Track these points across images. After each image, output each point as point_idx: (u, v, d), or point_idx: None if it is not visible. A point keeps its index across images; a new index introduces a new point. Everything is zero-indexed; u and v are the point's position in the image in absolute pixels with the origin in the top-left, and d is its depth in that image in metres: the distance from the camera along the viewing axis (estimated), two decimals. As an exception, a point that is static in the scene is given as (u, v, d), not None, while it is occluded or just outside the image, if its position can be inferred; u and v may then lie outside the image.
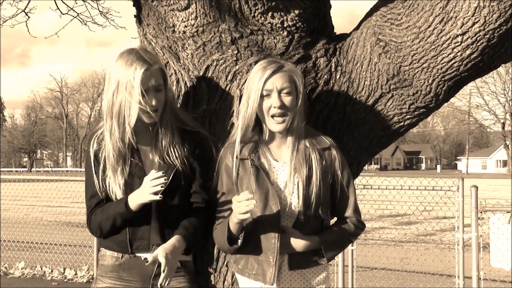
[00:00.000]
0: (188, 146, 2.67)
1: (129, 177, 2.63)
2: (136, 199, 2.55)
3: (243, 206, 2.35)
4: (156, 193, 2.47)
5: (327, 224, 2.62)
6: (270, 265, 2.49)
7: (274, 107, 2.51)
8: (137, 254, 2.64)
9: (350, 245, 7.19)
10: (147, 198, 2.51)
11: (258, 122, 2.58)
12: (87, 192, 2.70)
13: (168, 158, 2.63)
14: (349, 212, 2.64)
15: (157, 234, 2.63)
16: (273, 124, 2.53)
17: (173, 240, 2.56)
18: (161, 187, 2.46)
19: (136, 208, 2.56)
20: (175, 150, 2.64)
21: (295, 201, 2.51)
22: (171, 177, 2.60)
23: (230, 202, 2.47)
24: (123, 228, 2.63)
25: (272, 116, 2.52)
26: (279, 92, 2.51)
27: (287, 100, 2.52)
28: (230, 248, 2.51)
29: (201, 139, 2.71)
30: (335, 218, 2.69)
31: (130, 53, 2.59)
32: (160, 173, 2.49)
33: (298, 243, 2.50)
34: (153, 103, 2.57)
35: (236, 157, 2.54)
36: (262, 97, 2.52)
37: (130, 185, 2.62)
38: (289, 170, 2.54)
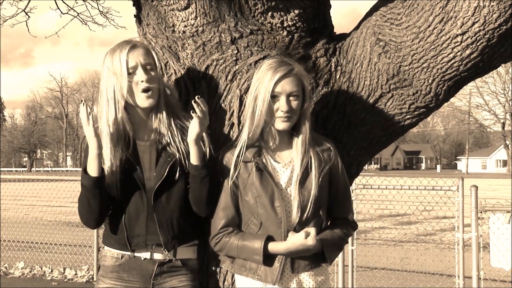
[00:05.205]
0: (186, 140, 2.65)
1: (125, 174, 2.60)
2: (88, 160, 2.53)
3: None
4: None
5: (326, 225, 2.62)
6: (274, 265, 2.49)
7: (282, 111, 2.51)
8: (137, 255, 2.63)
9: (349, 245, 7.22)
10: (89, 142, 2.51)
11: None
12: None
13: (166, 149, 2.62)
14: (345, 214, 2.67)
15: (155, 232, 2.61)
16: (278, 123, 2.54)
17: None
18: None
19: (95, 170, 2.52)
20: (173, 138, 2.63)
21: (296, 203, 2.51)
22: (167, 170, 2.59)
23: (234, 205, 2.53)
24: (104, 203, 2.59)
25: (278, 116, 2.53)
26: (288, 96, 2.52)
27: (294, 104, 2.53)
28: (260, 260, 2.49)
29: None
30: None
31: (117, 43, 2.67)
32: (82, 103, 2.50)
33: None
34: (143, 78, 2.58)
35: (240, 159, 2.54)
36: (270, 97, 2.52)
37: (128, 181, 2.60)
38: (291, 171, 2.55)
